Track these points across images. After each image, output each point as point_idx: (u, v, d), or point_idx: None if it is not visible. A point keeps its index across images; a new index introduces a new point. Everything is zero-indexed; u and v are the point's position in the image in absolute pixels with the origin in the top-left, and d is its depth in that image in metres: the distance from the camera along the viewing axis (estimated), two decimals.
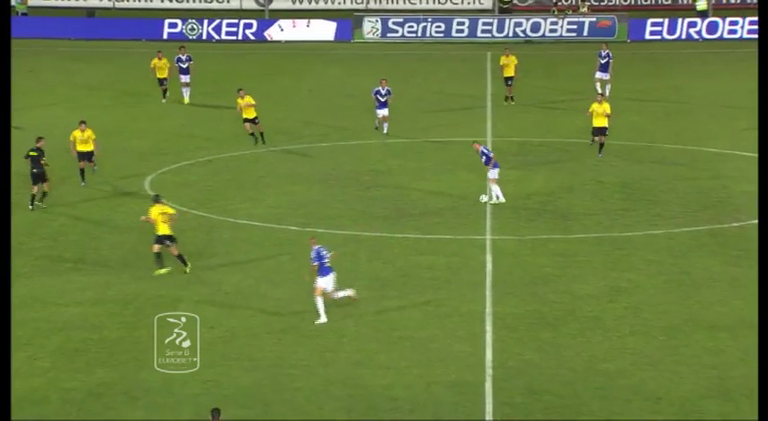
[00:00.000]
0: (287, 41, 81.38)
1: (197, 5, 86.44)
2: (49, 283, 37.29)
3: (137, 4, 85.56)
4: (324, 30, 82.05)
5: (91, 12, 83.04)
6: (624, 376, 30.56)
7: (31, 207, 44.21)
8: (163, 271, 37.97)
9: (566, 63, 75.23)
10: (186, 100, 61.95)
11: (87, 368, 31.44)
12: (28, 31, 78.68)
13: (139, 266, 38.75)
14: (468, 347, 32.48)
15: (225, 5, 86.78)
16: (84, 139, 46.89)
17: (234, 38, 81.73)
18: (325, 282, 34.37)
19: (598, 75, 62.47)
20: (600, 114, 50.74)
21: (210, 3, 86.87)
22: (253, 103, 52.92)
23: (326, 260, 34.36)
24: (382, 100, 54.58)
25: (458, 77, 69.92)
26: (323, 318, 34.04)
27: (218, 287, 37.14)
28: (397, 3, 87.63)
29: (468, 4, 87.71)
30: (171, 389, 30.16)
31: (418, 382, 30.45)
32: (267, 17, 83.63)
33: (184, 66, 61.90)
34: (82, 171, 47.13)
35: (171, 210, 38.38)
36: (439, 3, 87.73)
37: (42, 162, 44.40)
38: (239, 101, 53.07)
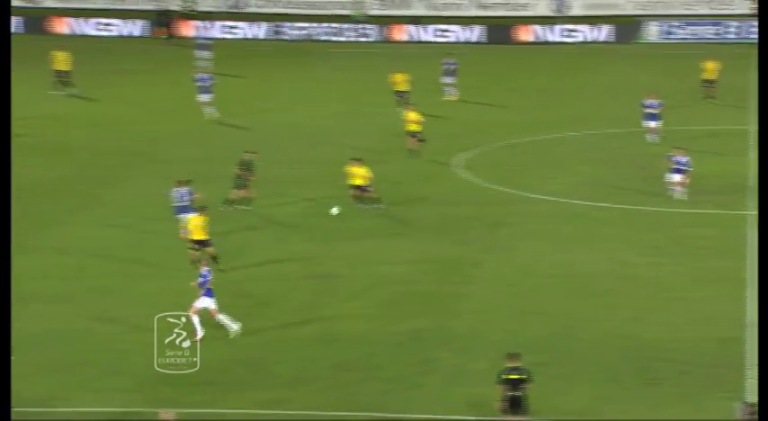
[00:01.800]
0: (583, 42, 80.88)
1: (503, 13, 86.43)
2: (378, 245, 38.13)
3: (457, 12, 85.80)
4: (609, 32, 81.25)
5: (416, 19, 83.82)
6: None
7: (222, 207, 40.23)
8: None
9: None
10: (452, 97, 60.42)
11: (406, 316, 32.10)
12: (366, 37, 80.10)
13: (451, 233, 39.24)
14: (734, 308, 31.93)
15: (527, 12, 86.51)
16: (359, 174, 41.79)
17: (533, 40, 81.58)
18: (206, 303, 30.63)
19: None
20: None
21: (516, 10, 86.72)
22: (419, 119, 48.50)
23: (209, 282, 30.72)
24: (652, 112, 51.31)
25: (728, 73, 68.22)
26: (200, 334, 30.11)
27: (513, 252, 37.39)
28: (677, 8, 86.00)
29: (739, 9, 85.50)
30: (476, 336, 30.55)
31: (689, 337, 30.13)
32: (562, 23, 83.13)
33: (451, 68, 61.00)
34: (355, 196, 41.97)
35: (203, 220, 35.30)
36: (713, 8, 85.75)
37: (249, 173, 40.93)
38: (407, 114, 49.11)
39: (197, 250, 34.76)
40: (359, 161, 41.61)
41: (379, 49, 75.65)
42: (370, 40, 79.35)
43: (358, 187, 41.46)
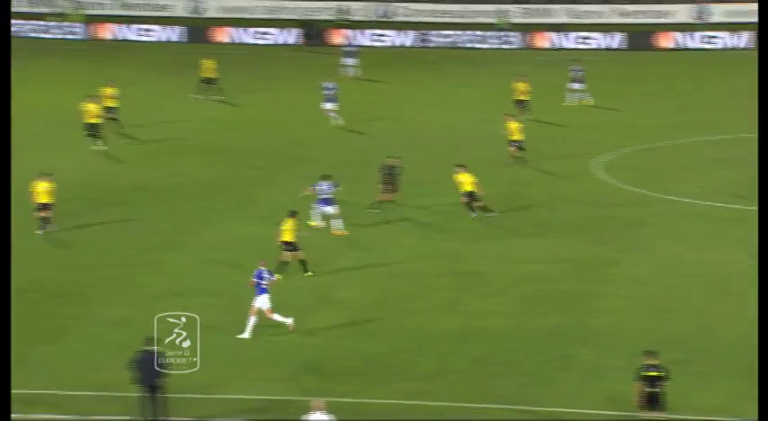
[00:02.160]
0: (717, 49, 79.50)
1: (644, 20, 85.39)
2: (518, 245, 38.00)
3: (598, 20, 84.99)
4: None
5: (558, 27, 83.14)
6: None
7: (374, 211, 40.41)
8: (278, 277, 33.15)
9: None
10: (585, 102, 59.53)
11: (545, 313, 31.98)
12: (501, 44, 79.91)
13: (589, 233, 38.89)
14: None
15: (668, 19, 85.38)
16: (467, 181, 39.93)
17: (673, 46, 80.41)
18: (260, 302, 30.35)
19: None
20: None
21: (656, 17, 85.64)
22: (520, 128, 47.25)
23: (265, 282, 30.35)
24: None
25: None
26: (246, 334, 30.17)
27: (650, 252, 36.95)
28: None
29: None
30: (613, 334, 30.27)
31: None
32: (702, 31, 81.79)
33: (579, 74, 59.98)
34: (466, 204, 40.49)
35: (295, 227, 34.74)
36: None
37: (391, 177, 40.66)
38: (509, 123, 47.45)
39: (288, 251, 34.39)
40: (463, 167, 40.34)
41: (521, 56, 75.37)
42: (513, 47, 79.09)
43: (469, 194, 39.92)
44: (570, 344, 29.73)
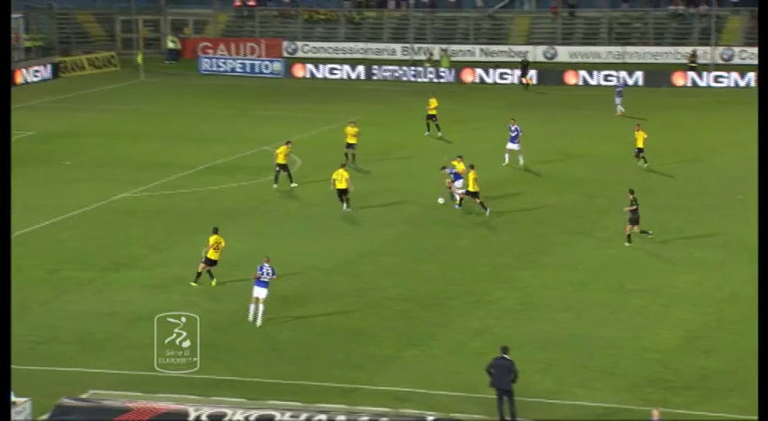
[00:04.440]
0: None
1: None
2: None
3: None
4: None
5: None
6: None
7: (628, 244, 38.73)
8: (194, 284, 33.55)
9: None
10: None
11: None
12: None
13: None
14: None
15: None
16: (472, 178, 41.83)
17: None
18: (258, 292, 30.62)
19: None
20: None
21: None
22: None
23: (265, 276, 30.57)
24: None
25: None
26: (250, 317, 30.53)
27: None
28: None
29: None
30: None
31: None
32: None
33: None
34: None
35: (222, 242, 33.92)
36: None
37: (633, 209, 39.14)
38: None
39: (206, 265, 33.86)
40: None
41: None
42: None
43: (471, 193, 42.72)
44: None
